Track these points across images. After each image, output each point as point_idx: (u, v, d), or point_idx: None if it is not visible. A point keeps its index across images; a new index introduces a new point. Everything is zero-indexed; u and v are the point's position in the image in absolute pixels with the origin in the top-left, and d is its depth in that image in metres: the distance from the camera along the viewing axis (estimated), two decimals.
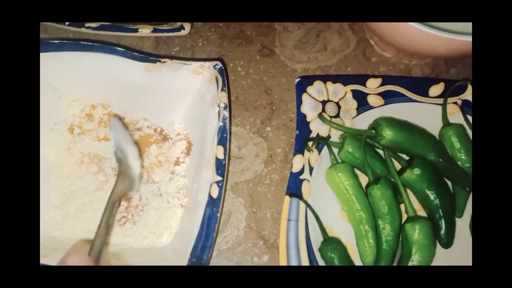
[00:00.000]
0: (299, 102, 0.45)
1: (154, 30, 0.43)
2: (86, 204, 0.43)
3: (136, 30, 0.43)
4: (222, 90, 0.40)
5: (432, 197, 0.42)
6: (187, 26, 0.43)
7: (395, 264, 0.41)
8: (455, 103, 0.47)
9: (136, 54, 0.41)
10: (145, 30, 0.43)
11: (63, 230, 0.42)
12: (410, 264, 0.40)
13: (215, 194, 0.37)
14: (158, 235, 0.41)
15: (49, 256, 0.36)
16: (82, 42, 0.41)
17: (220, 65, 0.41)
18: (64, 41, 0.42)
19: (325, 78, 0.46)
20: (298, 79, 0.46)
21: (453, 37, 0.42)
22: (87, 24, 0.43)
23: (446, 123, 0.46)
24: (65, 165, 0.44)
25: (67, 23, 0.44)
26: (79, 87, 0.44)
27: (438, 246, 0.42)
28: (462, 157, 0.44)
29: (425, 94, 0.48)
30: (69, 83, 0.43)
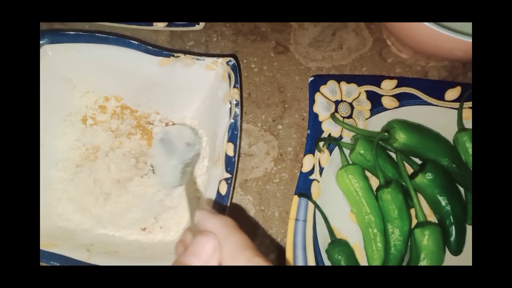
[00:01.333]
0: (312, 101, 0.45)
1: (169, 24, 0.43)
2: (94, 195, 0.43)
3: (151, 24, 0.43)
4: (234, 87, 0.40)
5: (443, 203, 0.41)
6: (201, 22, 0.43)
7: None
8: (471, 108, 0.47)
9: (150, 48, 0.41)
10: (159, 24, 0.43)
11: (71, 221, 0.42)
12: None
13: (223, 191, 0.37)
14: (167, 231, 0.41)
15: (59, 246, 0.37)
16: (97, 34, 0.41)
17: (233, 61, 0.41)
18: (80, 33, 0.42)
19: (339, 78, 0.46)
20: (312, 78, 0.45)
21: (471, 40, 0.41)
22: None
23: (462, 128, 0.45)
24: (76, 156, 0.44)
25: None
26: (93, 78, 0.44)
27: (447, 253, 0.41)
28: None
29: (441, 97, 0.47)
30: (83, 75, 0.44)
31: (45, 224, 0.41)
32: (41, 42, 0.41)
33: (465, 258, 0.41)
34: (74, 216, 0.42)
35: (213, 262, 0.26)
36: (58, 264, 0.35)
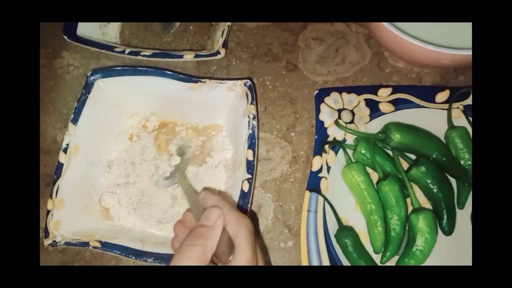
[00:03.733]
0: (318, 111, 0.52)
1: (196, 56, 0.52)
2: (142, 200, 0.53)
3: (181, 56, 0.52)
4: (251, 103, 0.49)
5: (435, 191, 0.48)
6: (222, 51, 0.52)
7: (402, 249, 0.48)
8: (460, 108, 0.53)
9: (182, 76, 0.51)
10: (188, 56, 0.52)
11: (125, 221, 0.51)
12: (414, 248, 0.46)
13: (246, 189, 0.46)
14: None
15: (118, 238, 0.46)
16: (139, 68, 0.51)
17: (249, 83, 0.50)
18: (125, 68, 0.52)
19: (340, 90, 0.54)
20: (317, 91, 0.53)
21: (454, 52, 0.48)
22: (142, 53, 0.53)
23: (451, 126, 0.52)
24: (126, 168, 0.54)
25: (127, 52, 0.54)
26: (137, 103, 0.54)
27: (440, 234, 0.48)
28: (465, 156, 0.50)
29: (432, 100, 0.53)
30: (129, 101, 0.53)
31: (104, 223, 0.50)
32: (95, 77, 0.51)
33: (456, 238, 0.48)
34: (127, 217, 0.51)
35: (219, 224, 0.34)
36: (119, 252, 0.45)
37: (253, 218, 0.52)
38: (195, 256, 0.32)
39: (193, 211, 0.38)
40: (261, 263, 0.36)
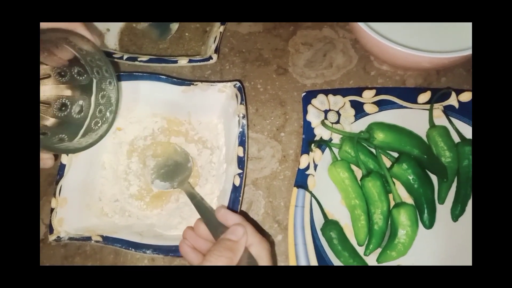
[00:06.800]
0: (305, 112, 0.55)
1: (190, 61, 0.55)
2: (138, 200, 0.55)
3: (176, 61, 0.56)
4: (240, 103, 0.52)
5: (416, 186, 0.51)
6: (215, 56, 0.56)
7: (384, 242, 0.50)
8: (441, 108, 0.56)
9: (175, 79, 0.54)
10: (182, 61, 0.55)
11: (123, 220, 0.54)
12: (396, 241, 0.49)
13: (237, 183, 0.48)
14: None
15: (118, 233, 0.49)
16: (134, 73, 0.55)
17: (238, 84, 0.53)
18: (121, 73, 0.55)
19: (326, 92, 0.57)
20: (304, 94, 0.56)
21: (432, 55, 0.51)
22: (139, 58, 0.56)
23: (432, 125, 0.54)
24: (123, 168, 0.57)
25: (124, 58, 0.57)
26: (133, 107, 0.57)
27: (421, 227, 0.50)
28: (445, 154, 0.53)
29: (414, 101, 0.56)
30: (126, 106, 0.56)
31: (105, 220, 0.53)
32: None
33: (436, 232, 0.50)
34: (124, 217, 0.54)
35: (243, 241, 0.39)
36: (120, 246, 0.47)
37: (244, 213, 0.55)
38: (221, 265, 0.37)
39: (206, 222, 0.43)
40: None
